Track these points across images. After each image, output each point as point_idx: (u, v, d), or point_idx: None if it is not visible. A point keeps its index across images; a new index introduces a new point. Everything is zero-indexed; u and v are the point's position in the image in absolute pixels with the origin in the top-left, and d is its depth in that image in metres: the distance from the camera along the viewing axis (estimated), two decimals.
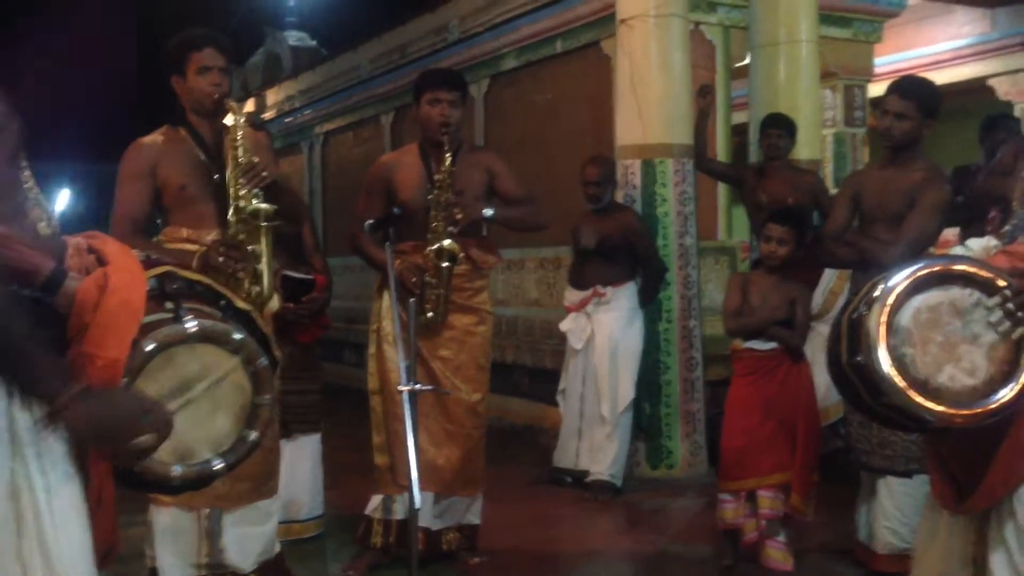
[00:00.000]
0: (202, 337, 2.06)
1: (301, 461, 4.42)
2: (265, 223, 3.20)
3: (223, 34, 3.42)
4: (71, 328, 1.84)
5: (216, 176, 3.32)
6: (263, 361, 2.16)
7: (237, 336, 2.10)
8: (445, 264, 3.86)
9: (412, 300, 3.34)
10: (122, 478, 1.99)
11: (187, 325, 2.03)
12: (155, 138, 3.38)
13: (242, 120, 3.26)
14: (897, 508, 3.79)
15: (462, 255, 3.90)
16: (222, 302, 2.28)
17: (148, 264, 2.14)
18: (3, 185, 1.85)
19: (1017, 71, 9.03)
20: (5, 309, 1.66)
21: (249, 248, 3.20)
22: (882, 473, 3.82)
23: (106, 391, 1.75)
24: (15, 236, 1.79)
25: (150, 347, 1.96)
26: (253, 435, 2.15)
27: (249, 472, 3.17)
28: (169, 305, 2.07)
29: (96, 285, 1.86)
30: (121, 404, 1.75)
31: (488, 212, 4.00)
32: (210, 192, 3.33)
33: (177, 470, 2.03)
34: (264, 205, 3.22)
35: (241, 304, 2.34)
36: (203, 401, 2.09)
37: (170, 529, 3.33)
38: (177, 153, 3.34)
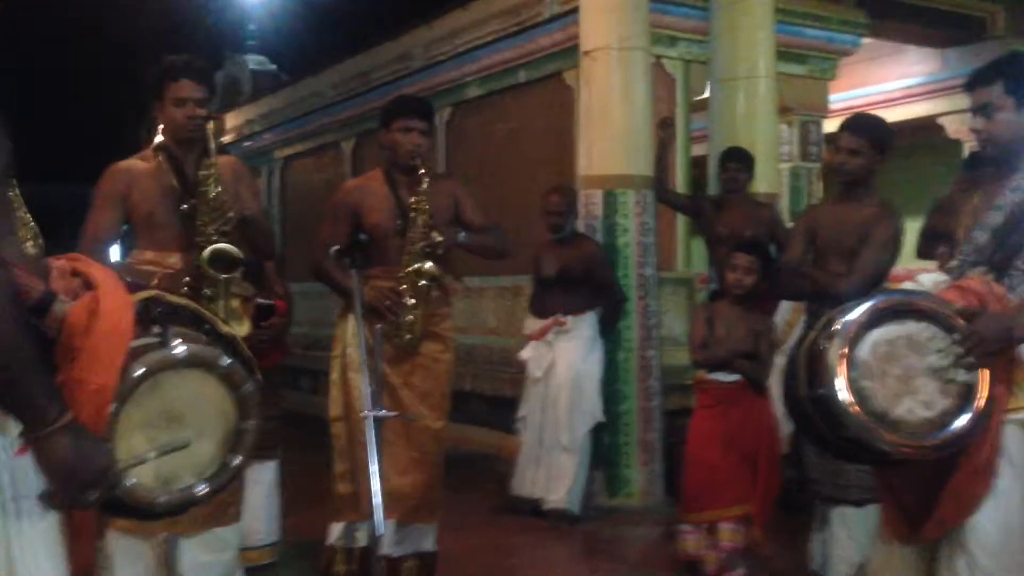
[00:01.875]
0: (191, 362, 2.05)
1: (257, 487, 4.37)
2: (221, 272, 3.19)
3: (202, 61, 3.43)
4: (59, 352, 1.81)
5: (184, 206, 3.31)
6: (249, 386, 2.15)
7: (225, 361, 2.09)
8: (424, 284, 3.86)
9: (379, 326, 3.35)
10: (104, 504, 1.95)
11: (176, 350, 2.02)
12: (132, 163, 3.39)
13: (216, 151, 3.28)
14: (851, 537, 3.83)
15: (440, 277, 3.92)
16: (206, 327, 2.27)
17: (133, 288, 2.12)
18: None
19: (966, 110, 9.24)
20: (16, 320, 1.63)
21: (206, 291, 3.20)
22: (836, 503, 3.87)
23: (87, 435, 1.72)
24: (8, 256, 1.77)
25: (139, 372, 1.94)
26: (237, 460, 2.14)
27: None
28: (156, 329, 2.06)
29: (86, 309, 1.84)
30: (95, 452, 1.72)
31: (462, 237, 4.03)
32: (177, 219, 3.33)
33: (161, 496, 2.01)
34: (230, 249, 3.20)
35: (225, 329, 2.32)
36: (188, 427, 2.08)
37: (127, 555, 3.28)
38: (150, 179, 3.35)
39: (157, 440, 2.04)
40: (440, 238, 3.88)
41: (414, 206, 3.90)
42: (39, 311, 1.80)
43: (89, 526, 1.91)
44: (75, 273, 1.96)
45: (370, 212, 4.03)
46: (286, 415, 4.77)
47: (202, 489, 2.08)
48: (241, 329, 3.30)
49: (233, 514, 3.42)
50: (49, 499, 1.71)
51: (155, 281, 3.14)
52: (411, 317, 3.90)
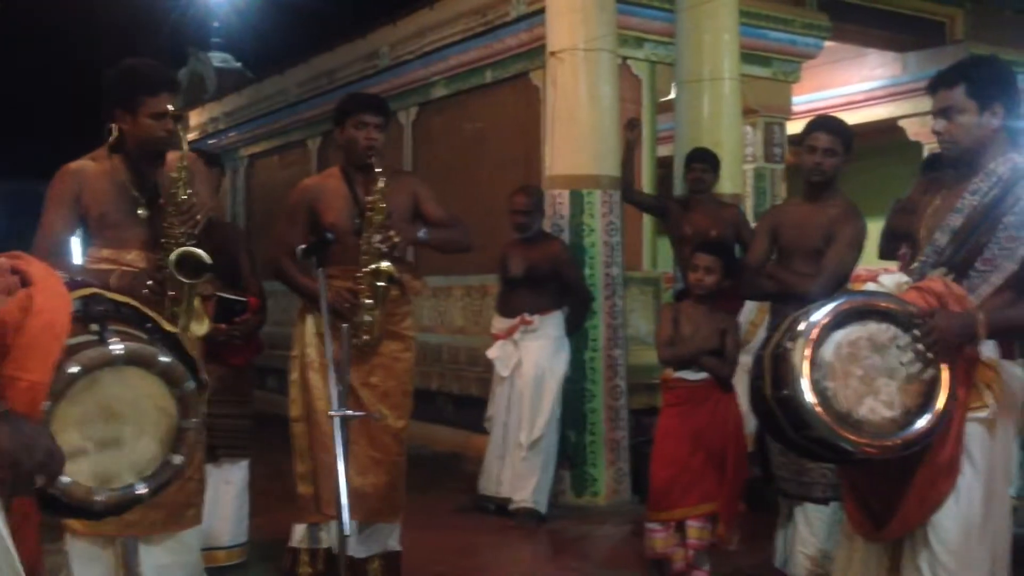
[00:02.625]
0: (128, 360, 2.04)
1: (228, 487, 4.35)
2: (187, 277, 3.15)
3: (171, 71, 3.38)
4: None
5: (141, 210, 3.27)
6: (190, 384, 2.14)
7: (164, 359, 2.08)
8: (382, 284, 3.84)
9: (345, 326, 3.33)
10: (42, 502, 1.94)
11: (112, 348, 2.01)
12: (84, 164, 3.31)
13: (187, 151, 3.25)
14: (814, 534, 3.88)
15: (397, 277, 3.89)
16: (148, 324, 2.25)
17: (73, 286, 2.10)
18: None
19: (926, 113, 9.38)
20: None
21: (170, 292, 3.16)
22: (799, 500, 3.92)
23: (25, 422, 1.71)
24: None
25: (74, 370, 1.93)
26: (178, 459, 2.13)
27: (164, 500, 3.08)
28: (94, 327, 2.04)
29: (19, 306, 1.82)
30: (35, 439, 1.71)
31: (422, 233, 4.01)
32: (133, 220, 3.28)
33: (100, 494, 1.99)
34: (198, 252, 3.15)
35: (168, 327, 2.31)
36: (127, 425, 2.06)
37: (84, 558, 3.24)
38: (102, 181, 3.28)
39: (95, 438, 2.02)
40: (397, 238, 3.85)
41: (370, 204, 3.87)
42: None
43: (31, 525, 1.89)
44: (14, 271, 1.94)
45: (327, 211, 4.00)
46: (257, 414, 4.74)
47: (142, 488, 2.06)
48: (200, 328, 3.27)
49: (192, 517, 3.37)
50: None
51: (113, 279, 3.10)
52: (369, 318, 3.87)
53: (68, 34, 14.03)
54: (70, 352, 1.92)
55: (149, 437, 2.09)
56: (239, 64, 13.94)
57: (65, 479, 1.92)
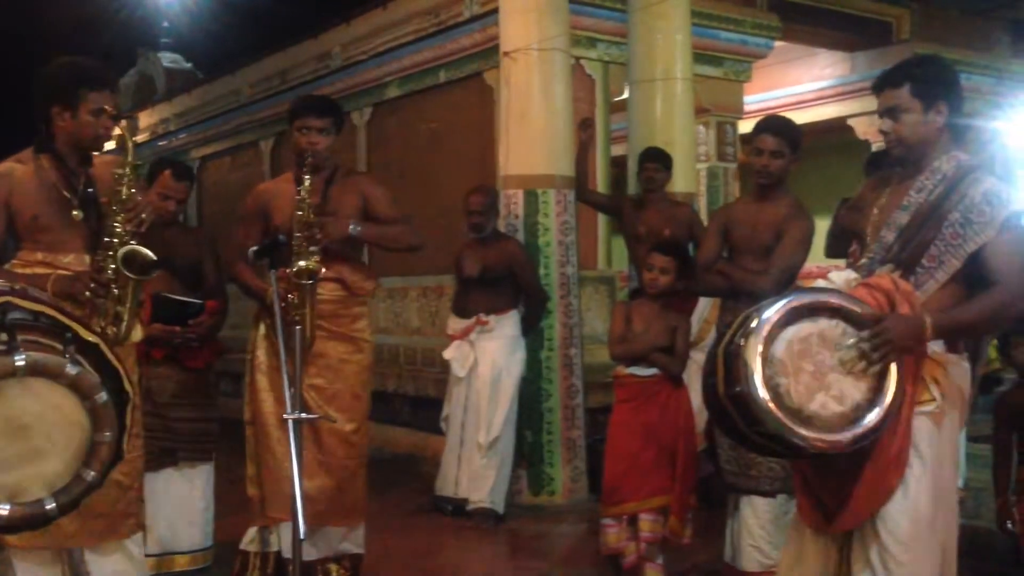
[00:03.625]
0: (32, 371, 1.98)
1: (190, 491, 4.30)
2: (135, 274, 3.08)
3: (110, 69, 3.30)
4: None
5: (76, 211, 3.18)
6: (102, 396, 2.07)
7: (71, 370, 2.02)
8: (307, 282, 3.76)
9: (298, 328, 3.30)
10: None
11: (16, 358, 1.95)
12: (10, 166, 3.21)
13: (128, 152, 3.17)
14: (761, 527, 3.92)
15: (322, 275, 3.83)
16: (68, 335, 2.19)
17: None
18: None
19: (874, 112, 9.52)
20: None
21: (115, 290, 3.09)
22: (747, 493, 3.96)
23: None
24: None
25: None
26: (90, 474, 2.06)
27: (103, 510, 3.05)
28: (3, 337, 1.99)
29: None
30: None
31: (353, 228, 3.95)
32: (67, 222, 3.18)
33: (4, 508, 1.94)
34: (143, 251, 3.08)
35: (89, 336, 2.24)
36: (35, 437, 2.00)
37: (29, 571, 3.17)
38: (32, 184, 3.17)
39: (2, 451, 1.96)
40: (320, 234, 3.80)
41: (299, 204, 3.82)
42: None
43: None
44: None
45: (277, 213, 3.98)
46: (226, 419, 4.68)
47: (50, 504, 1.99)
48: (136, 334, 3.20)
49: (132, 526, 3.30)
50: None
51: (50, 284, 3.03)
52: (298, 317, 3.77)
53: (10, 34, 13.75)
54: None
55: (60, 451, 2.03)
56: (189, 64, 13.75)
57: None
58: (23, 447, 1.96)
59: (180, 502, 4.22)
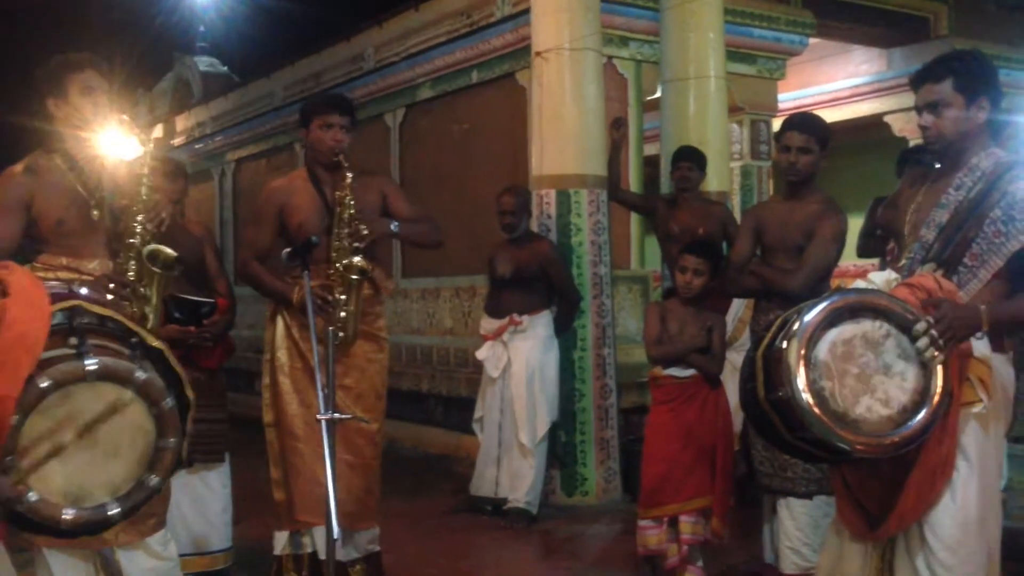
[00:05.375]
0: (102, 375, 1.98)
1: (208, 492, 4.31)
2: (161, 270, 3.08)
3: (100, 57, 3.30)
4: None
5: (95, 212, 3.17)
6: (169, 402, 2.08)
7: (140, 375, 2.03)
8: (355, 278, 3.80)
9: (331, 328, 3.30)
10: (8, 517, 1.89)
11: (87, 363, 1.96)
12: (26, 166, 3.19)
13: (151, 150, 3.18)
14: (798, 529, 3.88)
15: (370, 273, 3.85)
16: (133, 339, 2.20)
17: (57, 297, 2.06)
18: None
19: (911, 108, 9.41)
20: None
21: (141, 290, 3.09)
22: (783, 495, 3.92)
23: None
24: None
25: (45, 384, 1.88)
26: (154, 480, 2.07)
27: None
28: (73, 341, 2.00)
29: None
30: None
31: (394, 226, 3.99)
32: (88, 225, 3.17)
33: (68, 513, 1.94)
34: (165, 249, 3.09)
35: (154, 342, 2.26)
36: (102, 442, 2.01)
37: (64, 563, 3.19)
38: (52, 185, 3.16)
39: (68, 456, 1.97)
40: (366, 231, 3.83)
41: (339, 201, 3.85)
42: None
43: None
44: None
45: (295, 211, 3.98)
46: (242, 418, 4.70)
47: (114, 509, 1.99)
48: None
49: (154, 525, 3.31)
50: None
51: (87, 291, 3.03)
52: (344, 314, 3.83)
53: (49, 41, 13.95)
54: (44, 366, 1.87)
55: (124, 456, 2.03)
56: (225, 68, 13.85)
57: (33, 496, 1.87)
58: (90, 452, 1.97)
59: (198, 504, 4.21)
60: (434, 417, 7.52)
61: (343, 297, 3.83)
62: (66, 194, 3.17)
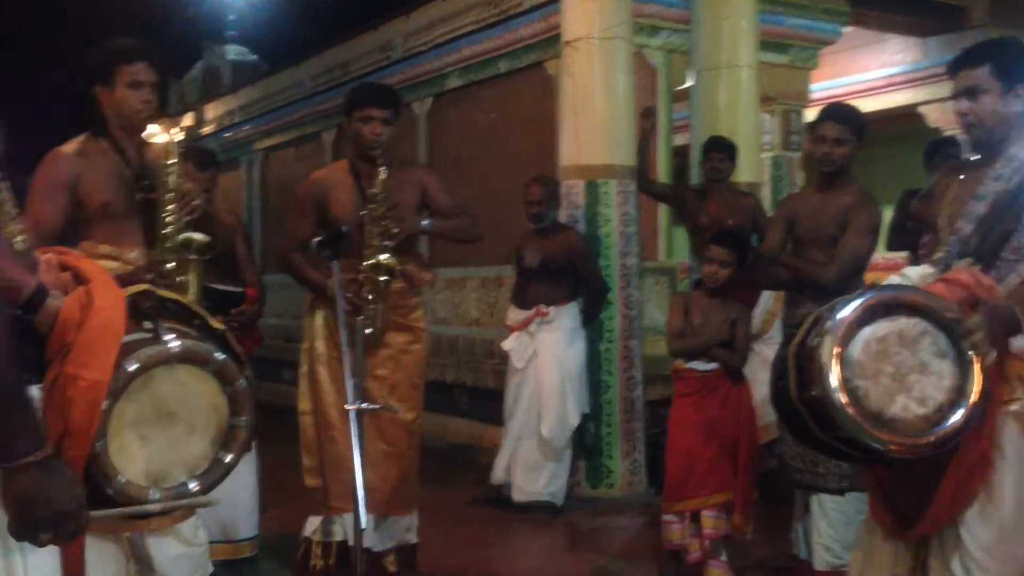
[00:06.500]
0: (184, 357, 2.02)
1: (233, 480, 4.31)
2: (196, 255, 3.10)
3: (155, 48, 3.30)
4: (51, 348, 1.76)
5: (140, 195, 3.17)
6: (242, 382, 2.12)
7: (218, 356, 2.06)
8: (383, 279, 3.81)
9: (360, 318, 3.30)
10: (97, 502, 1.90)
11: (170, 345, 1.99)
12: (76, 148, 3.17)
13: (176, 138, 3.18)
14: (830, 525, 3.84)
15: (399, 270, 3.86)
16: (196, 322, 2.23)
17: (123, 282, 2.09)
18: None
19: (947, 99, 9.26)
20: (7, 350, 1.54)
21: (178, 279, 3.10)
22: (815, 491, 3.87)
23: (60, 475, 1.61)
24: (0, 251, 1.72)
25: (133, 367, 1.90)
26: (229, 457, 2.12)
27: None
28: (148, 324, 2.02)
29: (79, 304, 1.79)
30: (60, 494, 1.61)
31: (426, 223, 4.00)
32: (133, 210, 3.16)
33: (154, 494, 1.98)
34: (198, 236, 3.10)
35: (216, 324, 2.27)
36: (179, 422, 2.04)
37: (99, 556, 3.21)
38: (101, 167, 3.15)
39: (149, 438, 2.00)
40: (396, 229, 3.81)
41: (372, 198, 3.84)
42: (32, 307, 1.75)
43: (81, 537, 1.86)
44: (64, 267, 1.91)
45: (334, 203, 3.98)
46: (270, 407, 4.72)
47: (194, 486, 2.04)
48: None
49: (182, 512, 3.33)
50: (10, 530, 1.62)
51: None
52: (372, 311, 3.82)
53: (79, 28, 14.06)
54: (126, 350, 1.89)
55: (200, 435, 2.08)
56: (254, 57, 13.92)
57: (122, 479, 1.90)
58: (169, 433, 2.00)
59: (226, 492, 4.23)
60: (459, 407, 7.52)
61: (370, 296, 3.83)
62: (113, 177, 3.17)
